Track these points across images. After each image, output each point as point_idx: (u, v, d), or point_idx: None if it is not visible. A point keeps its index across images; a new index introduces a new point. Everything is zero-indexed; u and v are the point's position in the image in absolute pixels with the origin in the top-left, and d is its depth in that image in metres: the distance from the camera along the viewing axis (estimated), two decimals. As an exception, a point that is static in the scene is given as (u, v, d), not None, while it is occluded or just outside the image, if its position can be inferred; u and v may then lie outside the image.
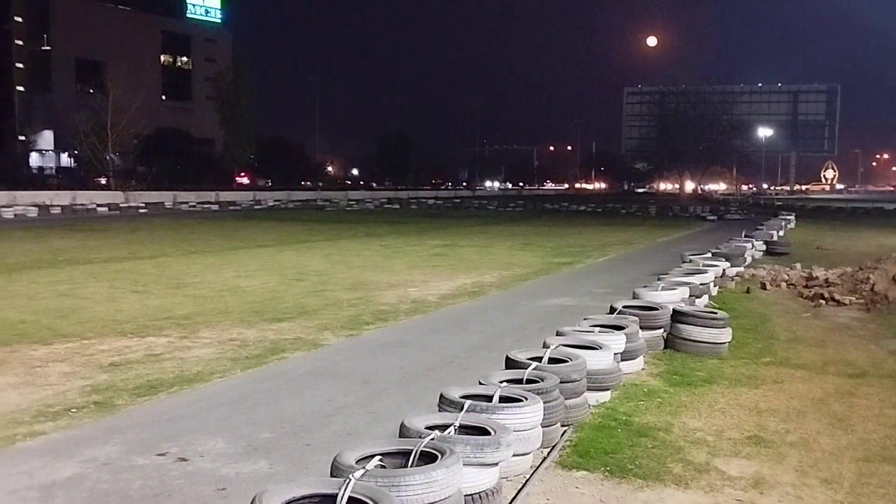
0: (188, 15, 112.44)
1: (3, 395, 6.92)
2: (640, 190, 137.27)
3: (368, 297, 13.23)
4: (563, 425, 5.90)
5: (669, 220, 45.21)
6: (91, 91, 66.58)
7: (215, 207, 52.78)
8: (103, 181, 61.89)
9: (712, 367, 8.27)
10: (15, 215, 38.66)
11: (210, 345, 9.19)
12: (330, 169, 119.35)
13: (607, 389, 6.82)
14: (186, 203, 53.19)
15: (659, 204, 61.75)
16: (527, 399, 5.11)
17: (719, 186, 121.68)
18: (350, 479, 3.60)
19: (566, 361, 6.25)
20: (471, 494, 4.31)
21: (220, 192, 60.71)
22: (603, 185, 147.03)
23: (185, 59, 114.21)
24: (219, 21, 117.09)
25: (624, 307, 9.02)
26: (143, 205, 48.60)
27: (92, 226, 32.52)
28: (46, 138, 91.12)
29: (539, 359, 6.29)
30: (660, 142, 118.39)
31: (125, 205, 48.12)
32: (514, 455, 4.91)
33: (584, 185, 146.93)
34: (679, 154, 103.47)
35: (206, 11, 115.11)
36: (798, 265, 17.44)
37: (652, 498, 4.81)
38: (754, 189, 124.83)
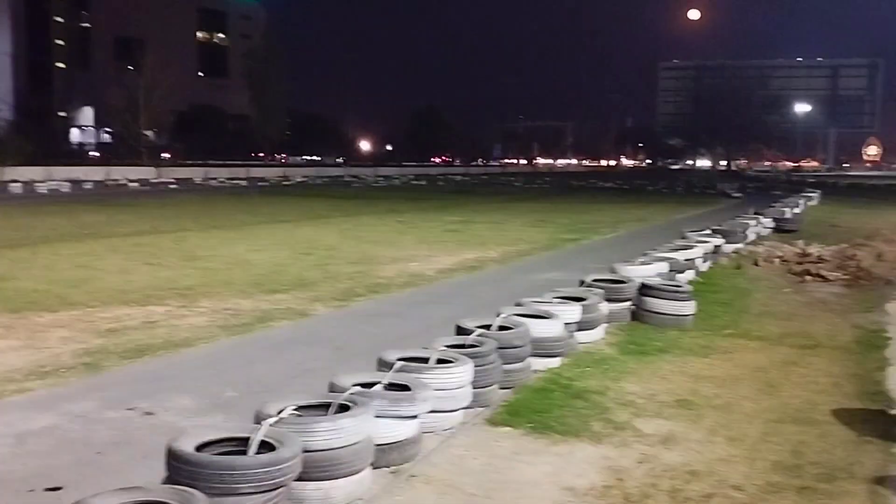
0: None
1: (3, 356, 7.54)
2: (675, 167, 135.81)
3: (369, 270, 13.72)
4: (502, 388, 6.35)
5: (694, 197, 45.04)
6: (129, 68, 67.64)
7: (244, 183, 53.65)
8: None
9: (672, 338, 8.65)
10: (49, 190, 39.73)
11: (205, 314, 9.76)
12: (363, 145, 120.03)
13: (556, 356, 7.25)
14: (216, 179, 54.20)
15: (687, 181, 61.42)
16: (457, 361, 5.58)
17: (744, 162, 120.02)
18: (263, 425, 4.12)
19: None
20: (386, 444, 4.81)
21: (251, 168, 61.52)
22: (598, 162, 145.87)
23: (221, 35, 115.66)
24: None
25: (593, 280, 9.43)
26: (173, 180, 49.58)
27: (122, 201, 33.41)
28: (87, 114, 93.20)
29: (489, 326, 6.74)
30: (694, 117, 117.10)
31: (156, 180, 49.11)
32: (442, 411, 5.41)
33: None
34: (714, 130, 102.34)
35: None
36: (800, 242, 17.58)
37: (564, 451, 5.26)
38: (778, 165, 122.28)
